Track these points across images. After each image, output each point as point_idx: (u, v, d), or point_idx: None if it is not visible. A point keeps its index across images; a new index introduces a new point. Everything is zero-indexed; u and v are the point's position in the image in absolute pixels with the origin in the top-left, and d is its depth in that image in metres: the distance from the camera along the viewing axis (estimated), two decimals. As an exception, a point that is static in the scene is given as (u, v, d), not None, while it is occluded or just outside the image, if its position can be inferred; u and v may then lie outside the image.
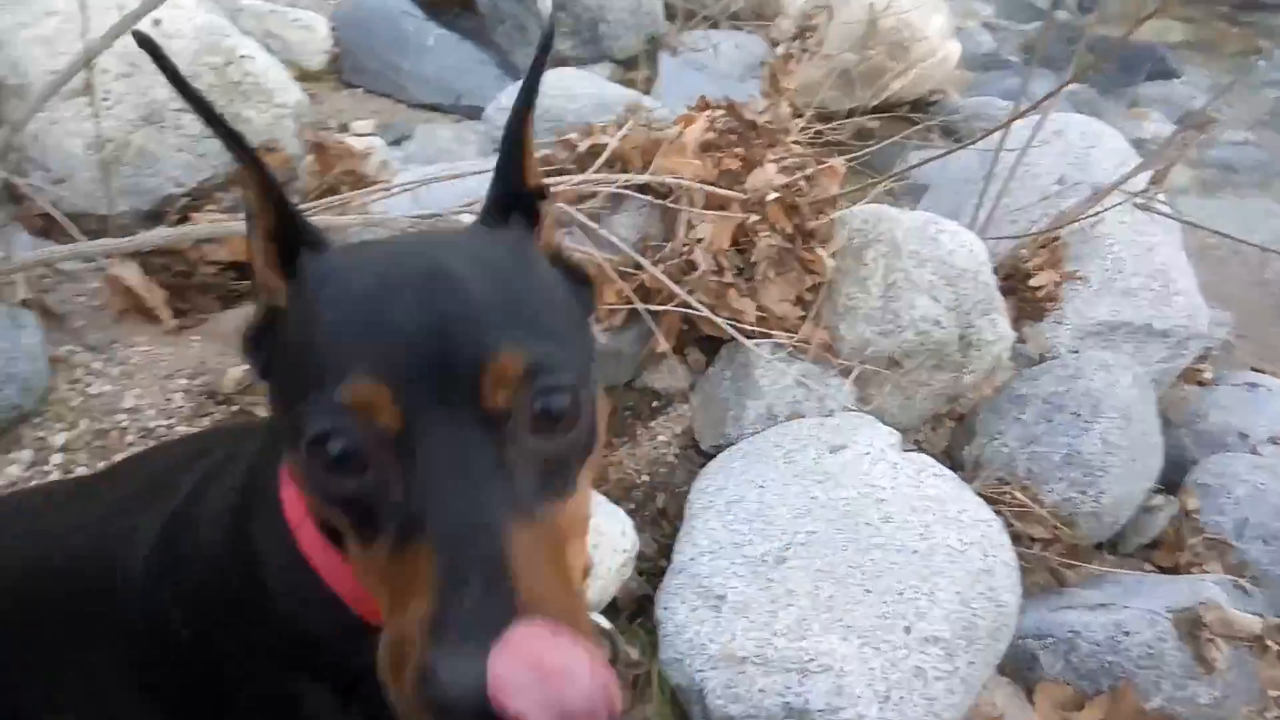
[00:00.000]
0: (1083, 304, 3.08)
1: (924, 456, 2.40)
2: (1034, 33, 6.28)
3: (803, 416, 2.57)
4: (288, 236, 0.74)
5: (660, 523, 2.59)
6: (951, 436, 2.86)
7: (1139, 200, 3.14)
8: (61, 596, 0.99)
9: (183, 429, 2.33)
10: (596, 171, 2.76)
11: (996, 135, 3.06)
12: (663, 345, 2.67)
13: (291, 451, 0.68)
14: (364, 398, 0.63)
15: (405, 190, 2.79)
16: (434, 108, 4.16)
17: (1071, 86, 4.29)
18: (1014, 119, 2.91)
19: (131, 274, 2.47)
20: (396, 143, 3.80)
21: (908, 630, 1.98)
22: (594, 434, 0.73)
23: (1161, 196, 3.18)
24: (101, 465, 2.27)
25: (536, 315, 0.71)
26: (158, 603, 0.89)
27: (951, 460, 2.73)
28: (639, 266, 2.63)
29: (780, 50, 4.31)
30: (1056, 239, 3.13)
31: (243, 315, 2.69)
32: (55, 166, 2.83)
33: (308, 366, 0.67)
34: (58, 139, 2.83)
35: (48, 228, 2.72)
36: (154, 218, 2.87)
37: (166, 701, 0.95)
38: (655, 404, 2.83)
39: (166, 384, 2.42)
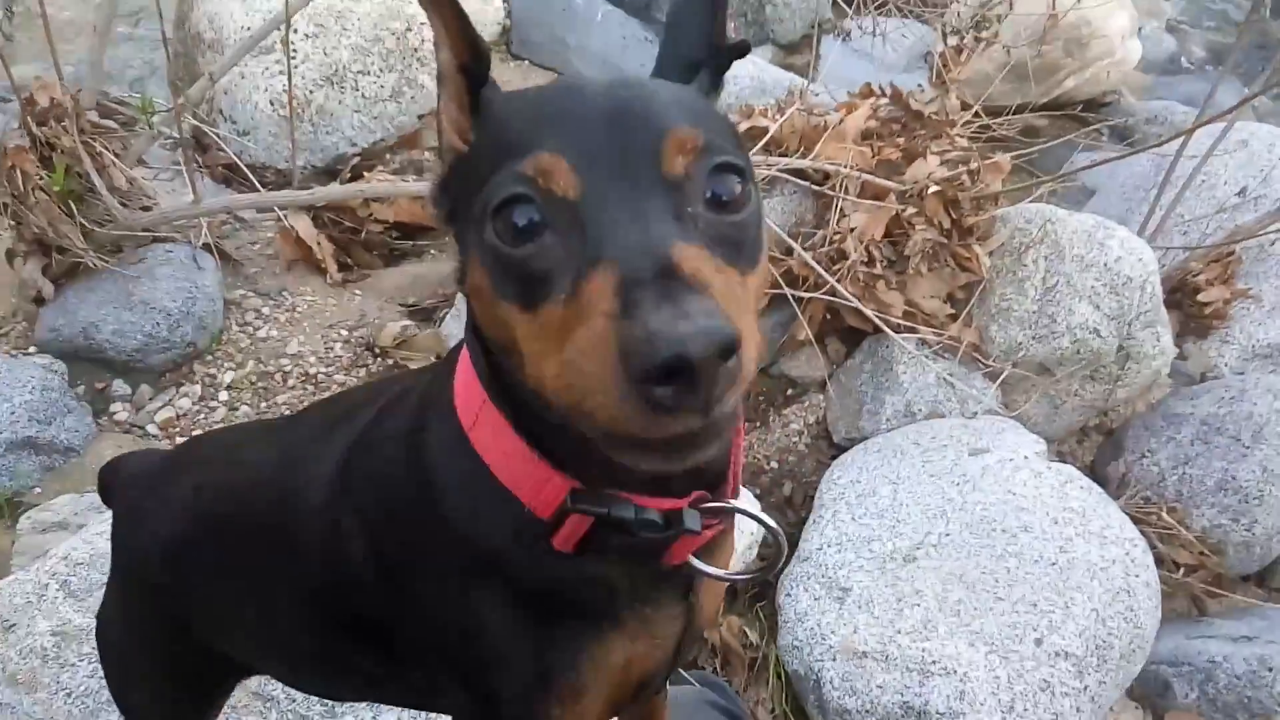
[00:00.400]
0: (1252, 324, 2.93)
1: (1069, 468, 2.33)
2: (1219, 37, 5.92)
3: (943, 416, 2.53)
4: (475, 76, 0.76)
5: (786, 510, 2.59)
6: (1098, 451, 2.76)
7: (1327, 220, 2.95)
8: (241, 519, 1.06)
9: (341, 378, 2.46)
10: (754, 154, 2.76)
11: (1175, 141, 2.91)
12: (805, 332, 2.66)
13: (476, 238, 0.70)
14: (544, 166, 0.66)
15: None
16: (596, 83, 4.21)
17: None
18: (1200, 125, 2.77)
19: (304, 226, 2.61)
20: (557, 115, 3.86)
21: (1038, 642, 1.94)
22: (760, 240, 0.73)
23: (1353, 217, 2.97)
24: (263, 405, 2.42)
25: (712, 123, 0.73)
26: (335, 524, 0.94)
27: (1095, 475, 2.63)
28: (788, 251, 2.63)
29: (952, 40, 4.20)
30: (1231, 253, 2.97)
31: (404, 274, 2.81)
32: (241, 119, 3.01)
33: (494, 160, 0.70)
34: (246, 93, 3.00)
35: (229, 177, 2.90)
36: (327, 174, 3.02)
37: (335, 619, 1.01)
38: (790, 391, 2.82)
39: (328, 334, 2.55)
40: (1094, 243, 2.59)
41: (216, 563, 1.09)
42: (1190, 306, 2.94)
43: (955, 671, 1.89)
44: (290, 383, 2.44)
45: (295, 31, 2.99)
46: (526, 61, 4.21)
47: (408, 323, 2.60)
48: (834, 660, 1.99)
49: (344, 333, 2.56)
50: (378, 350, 2.53)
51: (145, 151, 2.63)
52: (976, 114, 3.33)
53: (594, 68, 4.25)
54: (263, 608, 1.07)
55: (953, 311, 2.66)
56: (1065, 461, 2.55)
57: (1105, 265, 2.55)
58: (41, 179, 2.23)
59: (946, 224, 2.69)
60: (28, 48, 3.15)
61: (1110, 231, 2.62)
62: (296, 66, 2.97)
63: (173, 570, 1.13)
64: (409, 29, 3.21)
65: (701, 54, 0.81)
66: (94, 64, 2.49)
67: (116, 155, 2.44)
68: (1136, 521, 2.29)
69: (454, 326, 2.57)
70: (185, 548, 1.11)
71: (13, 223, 2.32)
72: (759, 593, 2.32)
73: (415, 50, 3.23)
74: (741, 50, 0.82)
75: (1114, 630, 1.98)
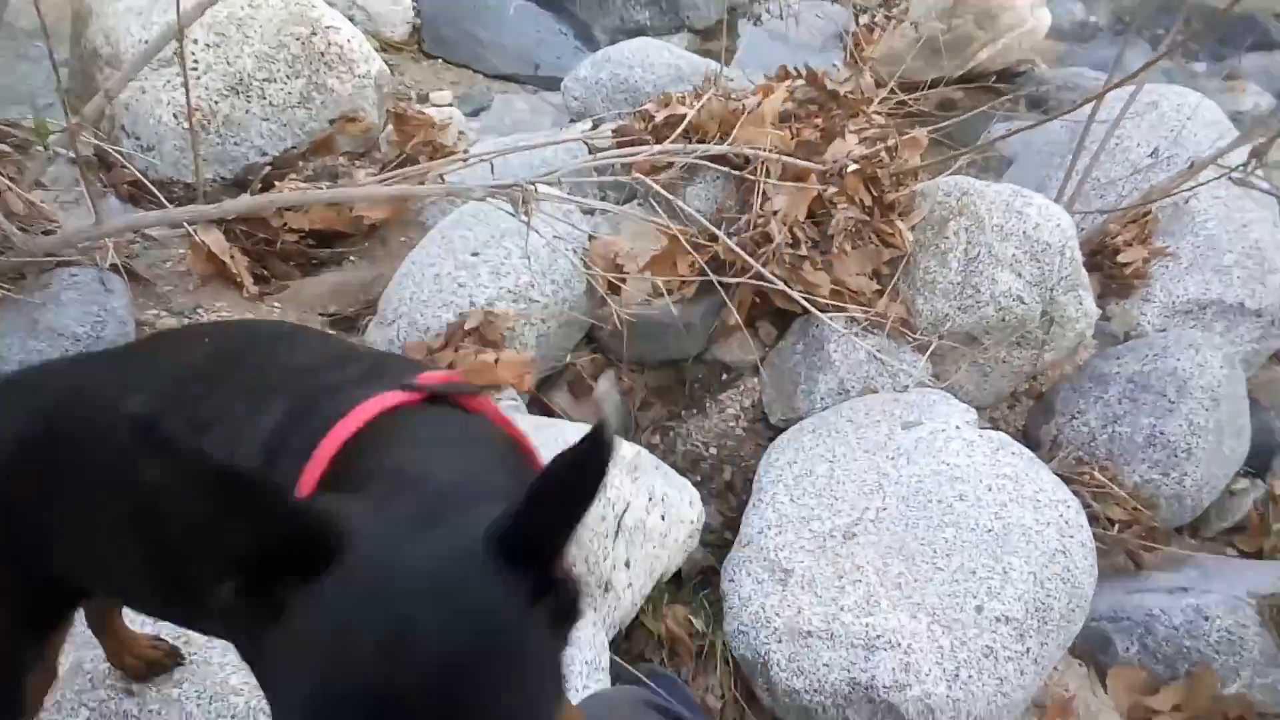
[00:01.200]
0: (1172, 281, 2.99)
1: (1000, 434, 2.35)
2: (1128, 2, 6.04)
3: (875, 392, 2.54)
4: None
5: (727, 496, 2.58)
6: (1029, 415, 2.80)
7: (1235, 175, 3.02)
8: (102, 459, 0.98)
9: (264, 392, 2.39)
10: (673, 142, 2.74)
11: (1086, 107, 2.96)
12: (734, 318, 2.66)
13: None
14: None
15: (482, 161, 2.81)
16: (511, 78, 4.18)
17: (1166, 58, 4.12)
18: (1108, 89, 2.81)
19: (215, 240, 2.53)
20: (474, 113, 3.82)
21: (979, 609, 1.95)
22: None
23: (1260, 172, 3.05)
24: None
25: None
26: None
27: (1028, 439, 2.67)
28: (713, 238, 2.62)
29: (864, 19, 4.23)
30: (1147, 214, 3.03)
31: (323, 283, 2.75)
32: (144, 135, 2.92)
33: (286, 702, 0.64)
34: (148, 107, 2.91)
35: (136, 194, 2.80)
36: (238, 185, 2.94)
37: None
38: (724, 377, 2.81)
39: (248, 348, 2.48)
40: (1012, 211, 2.62)
41: (52, 490, 1.03)
42: (1111, 268, 2.99)
43: (899, 644, 1.90)
44: (211, 402, 2.37)
45: (195, 42, 2.91)
46: (440, 60, 4.15)
47: (330, 333, 2.55)
48: (780, 642, 1.99)
49: (264, 347, 2.49)
50: (301, 363, 2.47)
51: (42, 173, 2.54)
52: (892, 91, 3.35)
53: (509, 63, 4.21)
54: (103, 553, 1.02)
55: (879, 288, 2.67)
56: (998, 428, 2.58)
57: (1024, 233, 2.58)
58: (-68, 208, 2.15)
59: (868, 201, 2.70)
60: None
61: (1027, 199, 2.65)
62: (199, 77, 2.89)
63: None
64: (313, 33, 3.14)
65: (540, 567, 0.67)
66: (-19, 85, 2.40)
67: (12, 179, 2.35)
68: (1069, 482, 2.32)
69: (376, 334, 2.53)
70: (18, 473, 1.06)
71: (-96, 256, 2.23)
72: (703, 580, 2.31)
73: (322, 54, 3.16)
74: (572, 616, 0.70)
75: (1052, 592, 2.00)
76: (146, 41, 2.84)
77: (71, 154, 2.47)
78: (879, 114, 3.08)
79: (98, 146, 2.73)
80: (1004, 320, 2.56)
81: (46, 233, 2.35)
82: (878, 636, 1.92)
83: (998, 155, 3.75)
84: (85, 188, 2.32)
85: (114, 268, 2.41)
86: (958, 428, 2.30)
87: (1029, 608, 1.97)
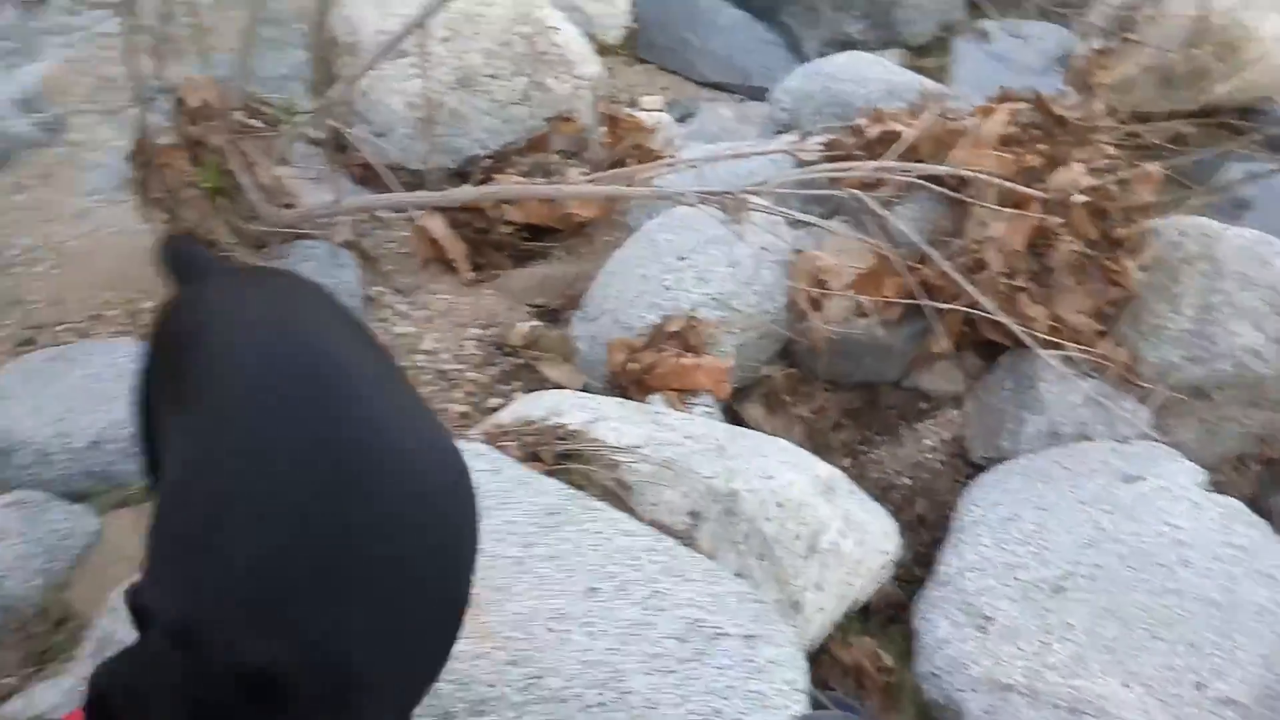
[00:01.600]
0: None
1: (1233, 500, 2.19)
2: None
3: (1090, 439, 2.41)
4: None
5: (919, 529, 2.49)
6: (1260, 482, 2.59)
7: None
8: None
9: (472, 375, 2.46)
10: (887, 159, 2.68)
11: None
12: (942, 344, 2.57)
13: None
14: None
15: (690, 167, 2.82)
16: (719, 86, 4.18)
17: None
18: (1373, 135, 2.59)
19: (438, 226, 2.63)
20: (681, 119, 3.84)
21: (1199, 687, 1.82)
22: None
23: None
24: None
25: None
26: None
27: (1257, 507, 2.47)
28: (921, 260, 2.54)
29: (1096, 43, 4.02)
30: None
31: (532, 275, 2.81)
32: (377, 120, 3.05)
33: None
34: (381, 95, 3.04)
35: (365, 177, 2.94)
36: (459, 176, 3.04)
37: None
38: (923, 405, 2.73)
39: (461, 331, 2.57)
40: (1257, 259, 2.45)
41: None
42: (1361, 330, 2.75)
43: (1109, 713, 1.79)
44: (425, 378, 2.45)
45: (429, 35, 3.01)
46: (652, 64, 4.20)
47: (536, 323, 2.61)
48: (975, 692, 1.90)
49: (476, 331, 2.57)
50: (507, 349, 2.53)
51: (287, 152, 2.69)
52: (1122, 121, 3.18)
53: (718, 71, 4.22)
54: None
55: (1101, 328, 2.53)
56: (1223, 492, 2.40)
57: (1271, 285, 2.41)
58: (192, 176, 2.31)
59: (1094, 235, 2.57)
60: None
61: (1275, 248, 2.47)
62: (431, 70, 3.00)
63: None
64: (537, 34, 3.22)
65: None
66: (242, 65, 2.55)
67: (262, 154, 2.49)
68: (1304, 560, 2.14)
69: (580, 329, 2.57)
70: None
71: (166, 217, 2.40)
72: (893, 615, 2.24)
73: (544, 54, 3.24)
74: None
75: (1285, 678, 1.85)
76: (384, 31, 2.98)
77: (315, 134, 2.60)
78: (1109, 144, 2.93)
79: (333, 128, 2.87)
80: (1240, 376, 2.40)
81: (286, 206, 2.49)
82: (1086, 701, 1.81)
83: (1231, 198, 3.51)
84: (329, 167, 2.44)
85: (346, 244, 2.53)
86: (1185, 488, 2.16)
87: (1257, 693, 1.82)
